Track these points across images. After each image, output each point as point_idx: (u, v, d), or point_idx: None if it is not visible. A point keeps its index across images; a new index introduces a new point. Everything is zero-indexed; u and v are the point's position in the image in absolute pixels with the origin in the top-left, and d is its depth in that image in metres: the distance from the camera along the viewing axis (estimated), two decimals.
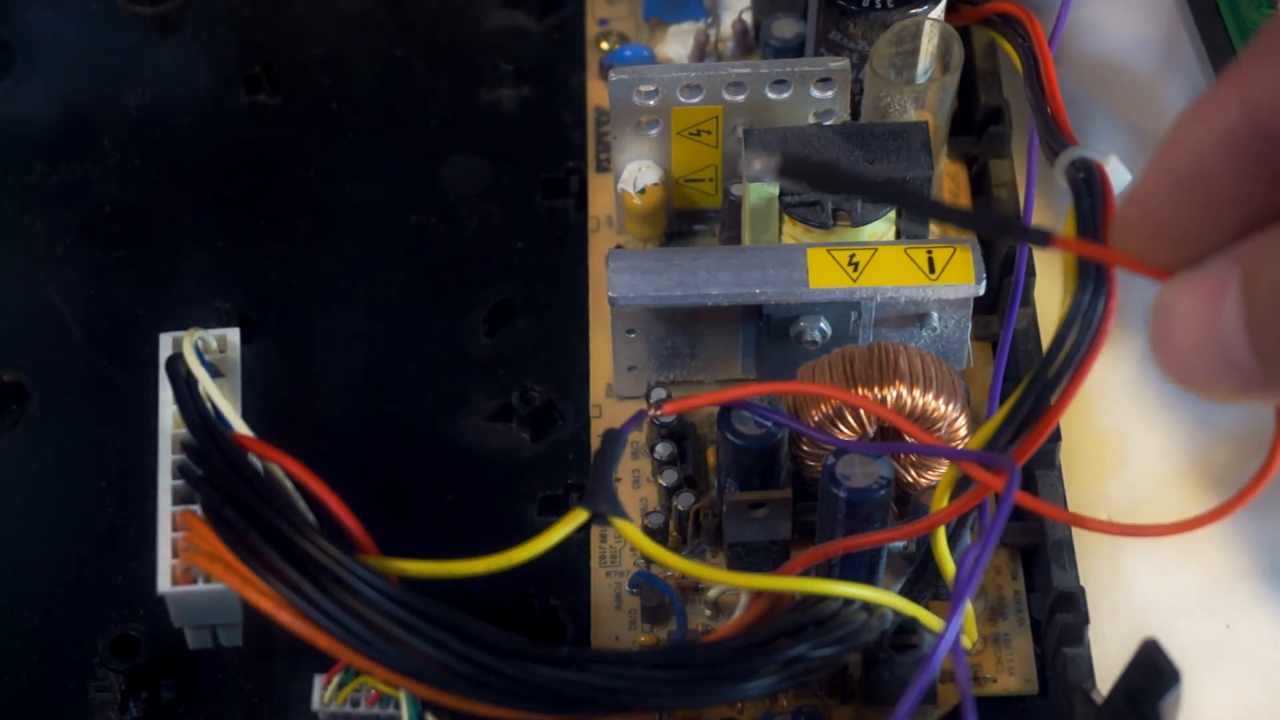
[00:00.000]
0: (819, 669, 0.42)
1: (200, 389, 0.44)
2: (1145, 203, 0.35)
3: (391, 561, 0.41)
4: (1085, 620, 0.45)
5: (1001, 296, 0.51)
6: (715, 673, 0.41)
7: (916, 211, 0.45)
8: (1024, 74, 0.50)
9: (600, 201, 0.55)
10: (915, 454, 0.47)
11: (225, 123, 0.59)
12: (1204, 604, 0.48)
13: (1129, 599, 0.49)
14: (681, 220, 0.54)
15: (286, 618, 0.40)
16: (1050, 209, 0.55)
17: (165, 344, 0.45)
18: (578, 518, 0.42)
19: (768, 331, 0.49)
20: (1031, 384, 0.41)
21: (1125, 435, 0.51)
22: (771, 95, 0.51)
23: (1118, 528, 0.44)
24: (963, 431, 0.47)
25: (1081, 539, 0.48)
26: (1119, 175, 0.42)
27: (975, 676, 0.47)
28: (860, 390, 0.46)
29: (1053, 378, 0.41)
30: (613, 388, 0.52)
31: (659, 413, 0.45)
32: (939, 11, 0.51)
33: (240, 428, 0.44)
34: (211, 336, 0.46)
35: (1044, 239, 0.37)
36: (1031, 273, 0.50)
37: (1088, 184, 0.42)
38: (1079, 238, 0.41)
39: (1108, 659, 0.45)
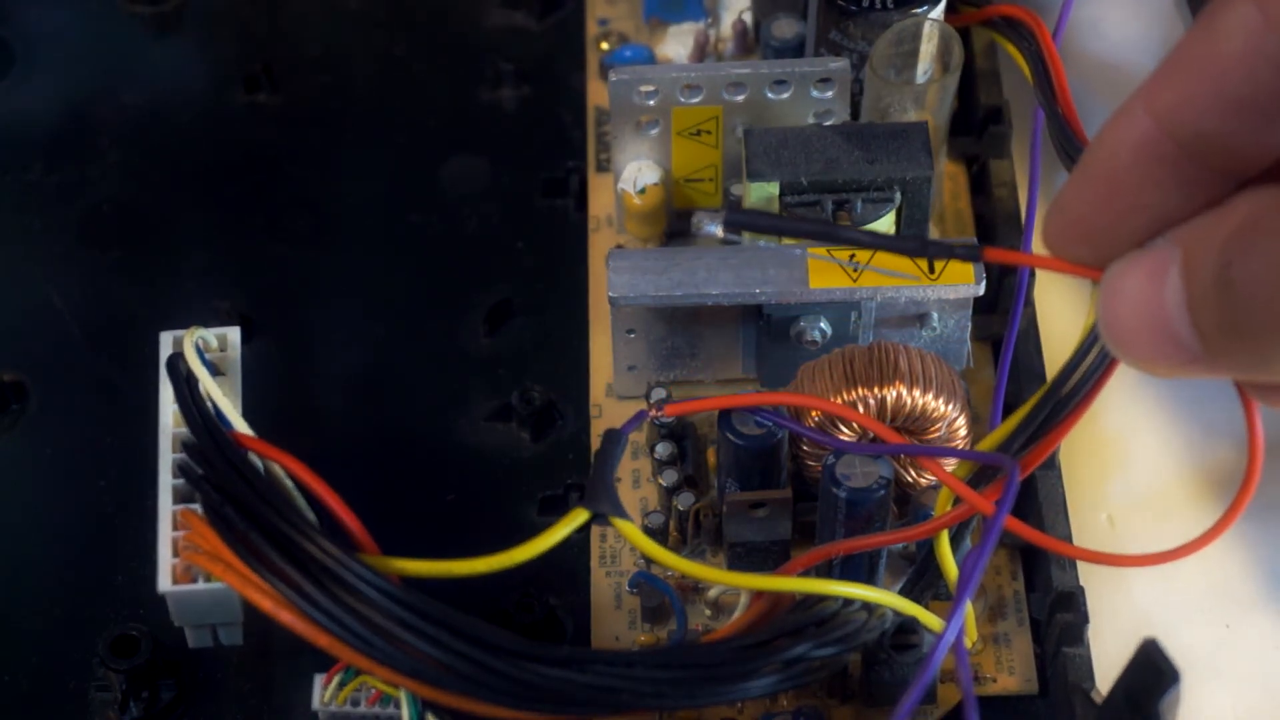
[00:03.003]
0: (819, 669, 0.42)
1: (201, 388, 0.44)
2: (1068, 208, 0.37)
3: (391, 561, 0.41)
4: (1085, 620, 0.45)
5: (1001, 296, 0.51)
6: (715, 673, 0.41)
7: (850, 245, 0.46)
8: (1032, 76, 0.50)
9: (600, 201, 0.55)
10: (916, 455, 0.47)
11: (225, 122, 0.59)
12: (1204, 604, 0.49)
13: (1129, 599, 0.49)
14: (681, 220, 0.54)
15: (286, 617, 0.40)
16: None
17: (165, 343, 0.45)
18: (578, 518, 0.42)
19: (768, 331, 0.49)
20: (1046, 396, 0.41)
21: (1125, 436, 0.51)
22: (771, 95, 0.51)
23: (1112, 559, 0.45)
24: (963, 431, 0.47)
25: (1082, 539, 0.48)
26: None
27: (975, 676, 0.47)
28: (860, 390, 0.46)
29: (1068, 393, 0.41)
30: (613, 388, 0.52)
31: (659, 414, 0.45)
32: (939, 11, 0.51)
33: (241, 427, 0.44)
34: (212, 335, 0.46)
35: (975, 254, 0.38)
36: (1032, 273, 0.50)
37: None
38: (1008, 249, 0.44)
39: (1108, 659, 0.45)
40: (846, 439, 0.46)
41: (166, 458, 0.44)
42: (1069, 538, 0.47)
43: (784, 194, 0.49)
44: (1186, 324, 0.35)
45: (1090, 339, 0.40)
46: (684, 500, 0.48)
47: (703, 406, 0.46)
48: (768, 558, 0.47)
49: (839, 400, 0.46)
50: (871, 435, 0.46)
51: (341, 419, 0.52)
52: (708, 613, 0.48)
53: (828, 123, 0.51)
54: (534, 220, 0.56)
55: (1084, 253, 0.37)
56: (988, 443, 0.42)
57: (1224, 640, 0.48)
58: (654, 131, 0.52)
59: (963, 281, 0.47)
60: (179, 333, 0.45)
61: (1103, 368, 0.40)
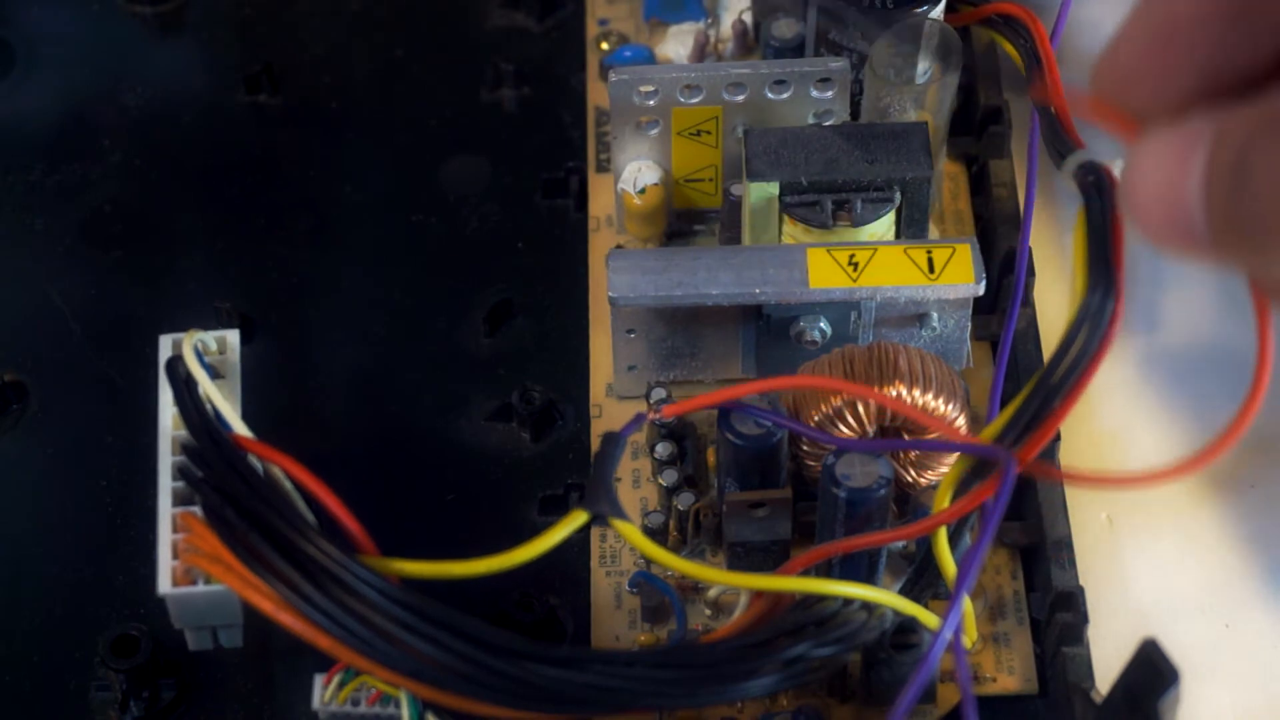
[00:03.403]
0: (819, 669, 0.42)
1: (200, 390, 0.44)
2: (1121, 52, 0.36)
3: (391, 562, 0.41)
4: (1085, 620, 0.45)
5: (1001, 296, 0.51)
6: (715, 673, 0.41)
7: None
8: (1027, 75, 0.50)
9: (600, 201, 0.55)
10: (915, 451, 0.47)
11: (225, 123, 0.59)
12: (1204, 603, 0.49)
13: (1129, 599, 0.49)
14: (681, 220, 0.54)
15: (287, 618, 0.40)
16: (1051, 208, 0.55)
17: (165, 346, 0.45)
18: (577, 519, 0.42)
19: (768, 331, 0.49)
20: (1038, 385, 0.41)
21: (1125, 435, 0.51)
22: (771, 95, 0.51)
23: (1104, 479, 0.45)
24: (962, 431, 0.47)
25: (1081, 539, 0.48)
26: None
27: (975, 676, 0.47)
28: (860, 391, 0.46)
29: (1059, 380, 0.41)
30: (613, 388, 0.52)
31: (658, 415, 0.45)
32: (939, 11, 0.51)
33: (240, 429, 0.43)
34: (211, 338, 0.46)
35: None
36: (1031, 273, 0.50)
37: (1097, 187, 0.42)
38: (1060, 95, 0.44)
39: (1107, 659, 0.45)
40: (846, 438, 0.46)
41: (166, 460, 0.44)
42: (1069, 537, 0.47)
43: (784, 194, 0.49)
44: (1200, 204, 0.35)
45: (1077, 325, 0.40)
46: (684, 500, 0.48)
47: (702, 403, 0.46)
48: (768, 558, 0.47)
49: (839, 400, 0.46)
50: (876, 424, 0.46)
51: (341, 419, 0.52)
52: (708, 613, 0.48)
53: (828, 123, 0.51)
54: (534, 220, 0.56)
55: (1132, 99, 0.36)
56: (984, 436, 0.42)
57: (1224, 640, 0.48)
58: (654, 131, 0.52)
59: (962, 281, 0.47)
60: (178, 336, 0.45)
61: (1092, 353, 0.40)
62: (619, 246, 0.54)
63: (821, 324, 0.49)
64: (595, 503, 0.42)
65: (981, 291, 0.48)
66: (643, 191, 0.53)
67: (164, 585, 0.43)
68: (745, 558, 0.47)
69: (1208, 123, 0.35)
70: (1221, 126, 0.35)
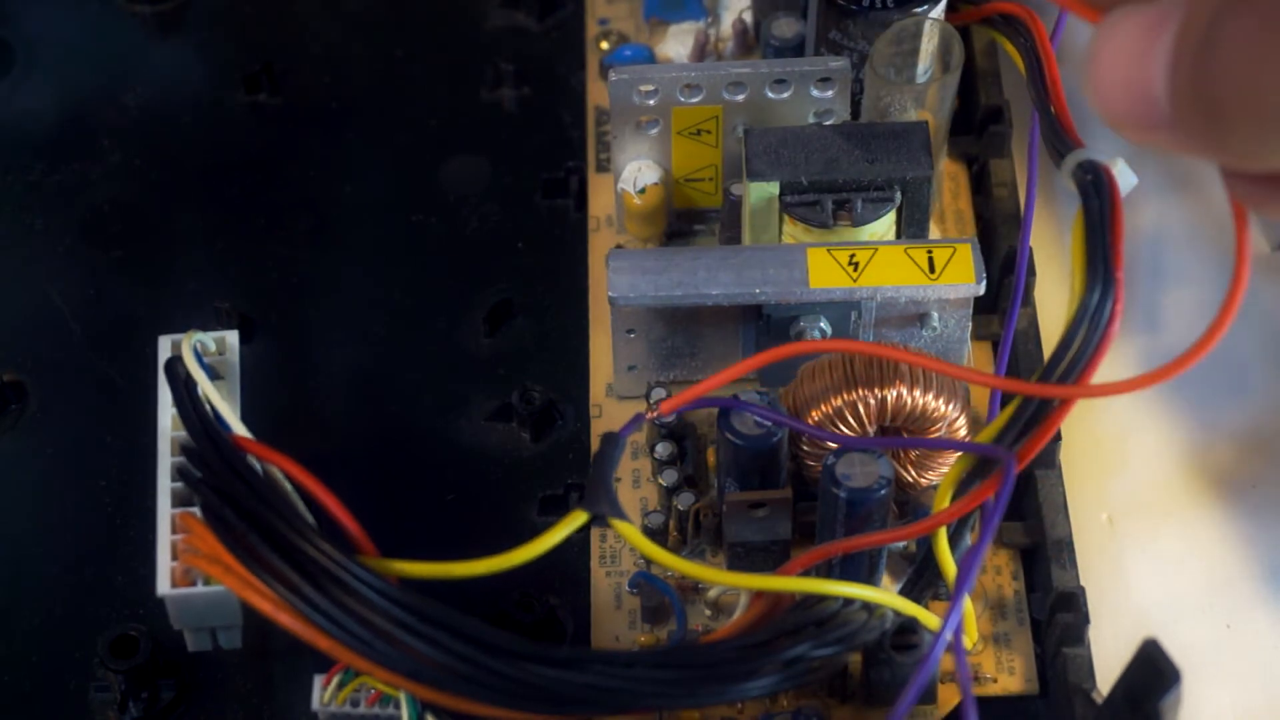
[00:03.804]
0: (819, 669, 0.42)
1: (199, 391, 0.44)
2: None
3: (391, 562, 0.41)
4: (1085, 620, 0.45)
5: (1001, 296, 0.51)
6: (715, 673, 0.41)
7: None
8: (1027, 74, 0.50)
9: (600, 201, 0.55)
10: (916, 449, 0.47)
11: (225, 123, 0.59)
12: (1204, 603, 0.48)
13: (1129, 599, 0.49)
14: (681, 220, 0.54)
15: (286, 619, 0.40)
16: (1051, 208, 0.55)
17: (164, 346, 0.45)
18: (577, 519, 0.42)
19: (768, 331, 0.49)
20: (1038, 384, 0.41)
21: (1125, 435, 0.51)
22: (771, 95, 0.51)
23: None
24: (963, 432, 0.47)
25: (1082, 539, 0.48)
26: (1125, 178, 0.43)
27: (975, 676, 0.47)
28: (860, 390, 0.46)
29: (1058, 379, 0.41)
30: (613, 388, 0.52)
31: (656, 414, 0.45)
32: (939, 11, 0.51)
33: (239, 430, 0.44)
34: (210, 339, 0.46)
35: None
36: (1032, 272, 0.50)
37: (1096, 186, 0.42)
38: None
39: (1108, 659, 0.45)
40: (845, 435, 0.46)
41: (165, 461, 0.44)
42: (1069, 537, 0.47)
43: (784, 194, 0.49)
44: (1165, 83, 0.34)
45: (1076, 324, 0.40)
46: (684, 500, 0.48)
47: (697, 392, 0.45)
48: (768, 558, 0.47)
49: (838, 401, 0.46)
50: (876, 424, 0.46)
51: (341, 419, 0.52)
52: (708, 613, 0.48)
53: (828, 122, 0.51)
54: (534, 220, 0.56)
55: None
56: (984, 436, 0.42)
57: (1224, 639, 0.48)
58: (654, 131, 0.52)
59: (963, 281, 0.47)
60: (177, 336, 0.45)
61: (1091, 352, 0.40)
62: (619, 246, 0.54)
63: (821, 324, 0.49)
64: (595, 503, 0.42)
65: (982, 291, 0.48)
66: (643, 191, 0.53)
67: (163, 586, 0.43)
68: (745, 558, 0.47)
69: (1175, 2, 0.34)
70: (1194, 4, 0.34)
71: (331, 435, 0.52)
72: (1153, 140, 0.35)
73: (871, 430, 0.47)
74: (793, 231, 0.49)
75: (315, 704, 0.42)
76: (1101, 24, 0.35)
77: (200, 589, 0.42)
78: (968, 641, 0.46)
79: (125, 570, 0.49)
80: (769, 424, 0.46)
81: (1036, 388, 0.41)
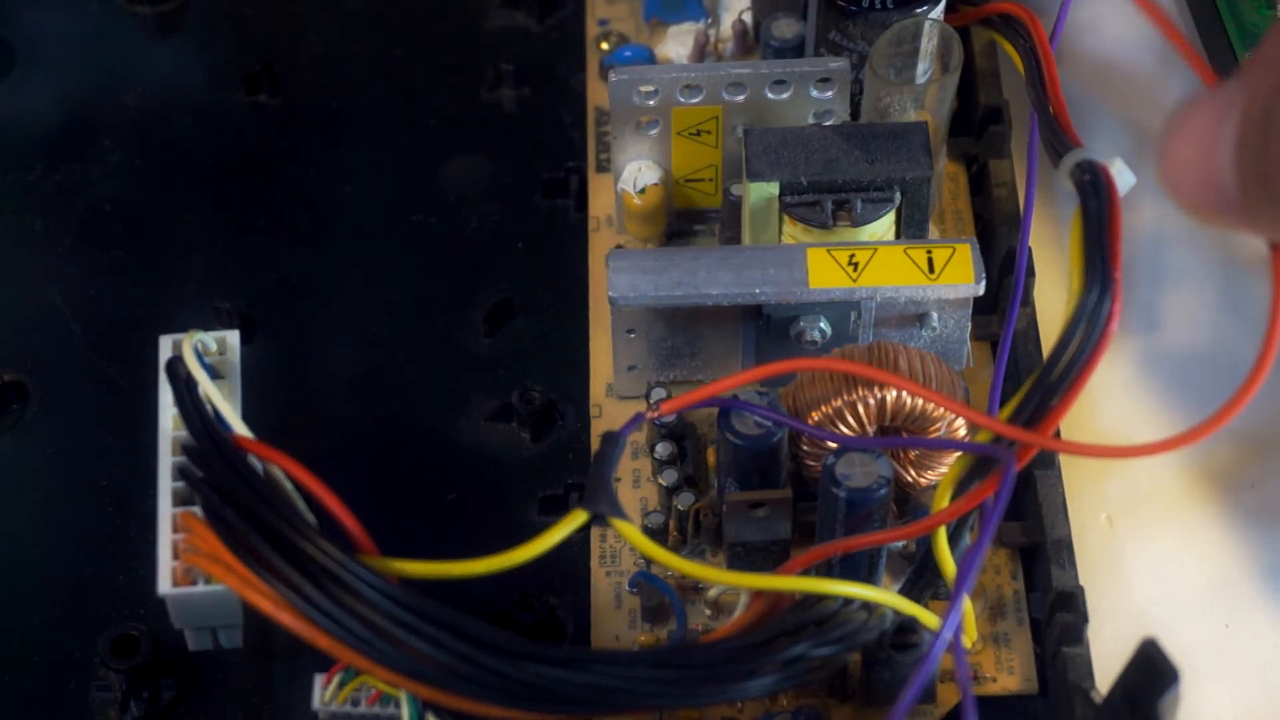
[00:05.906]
0: (819, 668, 0.42)
1: (200, 391, 0.44)
2: None
3: (391, 562, 0.41)
4: (1085, 620, 0.45)
5: (1001, 296, 0.51)
6: (715, 673, 0.41)
7: None
8: (1025, 74, 0.50)
9: (600, 201, 0.55)
10: (916, 449, 0.47)
11: (225, 123, 0.59)
12: (1203, 603, 0.49)
13: (1129, 598, 0.49)
14: (681, 220, 0.54)
15: (286, 618, 0.40)
16: (1050, 208, 0.55)
17: (165, 346, 0.45)
18: (577, 519, 0.42)
19: (767, 331, 0.49)
20: (1036, 385, 0.41)
21: (1125, 435, 0.51)
22: (771, 95, 0.51)
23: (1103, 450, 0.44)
24: (962, 432, 0.47)
25: (1081, 539, 0.48)
26: (1124, 178, 0.43)
27: (975, 676, 0.47)
28: (860, 391, 0.46)
29: (1057, 379, 0.41)
30: (613, 388, 0.52)
31: (656, 414, 0.45)
32: (939, 11, 0.51)
33: (240, 429, 0.44)
34: (211, 339, 0.46)
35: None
36: (1031, 272, 0.50)
37: (1094, 186, 0.42)
38: None
39: (1107, 659, 0.45)
40: (845, 434, 0.46)
41: (166, 461, 0.44)
42: (1069, 537, 0.47)
43: (784, 194, 0.49)
44: (1231, 168, 0.34)
45: (1074, 324, 0.40)
46: (684, 500, 0.48)
47: (696, 397, 0.45)
48: (768, 558, 0.47)
49: (838, 401, 0.46)
50: (876, 424, 0.46)
51: (341, 419, 0.53)
52: (708, 613, 0.48)
53: (828, 123, 0.51)
54: (534, 220, 0.56)
55: None
56: (983, 435, 0.42)
57: (1224, 640, 0.48)
58: (654, 131, 0.52)
59: (962, 281, 0.47)
60: (178, 336, 0.45)
61: (1090, 352, 0.40)
62: (619, 246, 0.54)
63: (821, 324, 0.49)
64: (595, 503, 0.42)
65: (981, 291, 0.48)
66: (643, 191, 0.53)
67: (164, 585, 0.43)
68: (745, 558, 0.47)
69: (1240, 88, 0.35)
70: (1255, 85, 0.34)
71: (331, 435, 0.52)
72: (1225, 223, 0.35)
73: (871, 430, 0.47)
74: (792, 232, 0.49)
75: (316, 703, 0.42)
76: (1172, 116, 0.36)
77: (201, 588, 0.42)
78: (967, 641, 0.46)
79: (125, 570, 0.49)
80: (769, 424, 0.46)
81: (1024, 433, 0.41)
